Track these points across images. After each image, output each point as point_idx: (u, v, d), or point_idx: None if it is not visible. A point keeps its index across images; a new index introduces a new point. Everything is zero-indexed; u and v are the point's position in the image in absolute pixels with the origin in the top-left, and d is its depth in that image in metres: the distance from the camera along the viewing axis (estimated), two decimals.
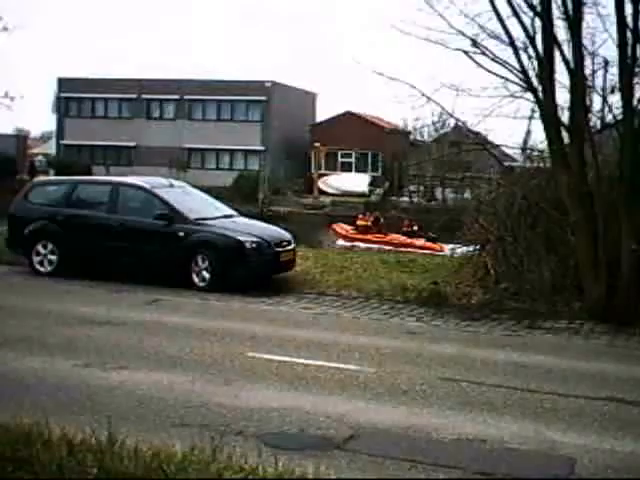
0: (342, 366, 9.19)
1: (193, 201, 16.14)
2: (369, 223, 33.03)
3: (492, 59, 13.91)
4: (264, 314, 12.85)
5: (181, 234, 14.86)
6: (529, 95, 14.25)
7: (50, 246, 15.71)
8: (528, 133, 57.24)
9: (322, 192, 55.67)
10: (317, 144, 56.57)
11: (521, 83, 13.99)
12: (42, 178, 18.31)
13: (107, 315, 11.95)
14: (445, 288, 14.92)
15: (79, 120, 61.16)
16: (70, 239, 15.55)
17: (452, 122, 57.85)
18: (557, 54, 13.60)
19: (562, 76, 13.77)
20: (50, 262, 15.73)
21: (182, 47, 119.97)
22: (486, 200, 17.14)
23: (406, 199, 55.77)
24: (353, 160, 60.61)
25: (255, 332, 11.05)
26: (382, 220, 33.97)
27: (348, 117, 60.72)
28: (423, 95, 15.13)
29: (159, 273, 15.09)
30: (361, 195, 55.68)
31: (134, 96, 59.99)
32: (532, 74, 13.99)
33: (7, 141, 62.05)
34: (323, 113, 66.41)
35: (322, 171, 57.68)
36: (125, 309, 12.69)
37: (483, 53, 13.76)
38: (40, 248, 15.76)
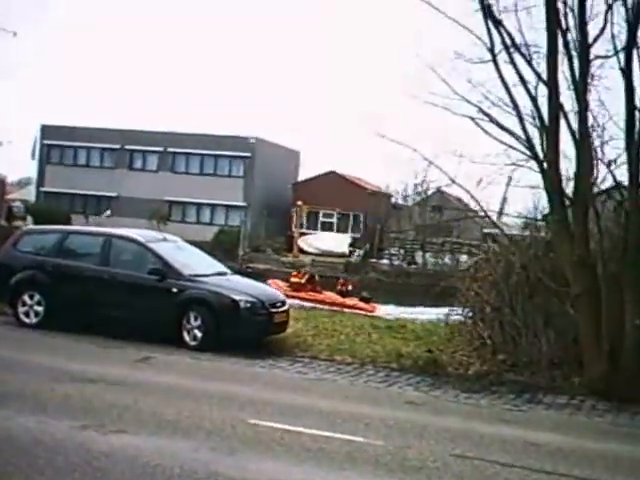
0: (349, 438, 8.82)
1: (186, 256, 15.80)
2: (303, 280, 33.22)
3: (498, 126, 13.83)
4: (259, 377, 12.48)
5: (174, 290, 14.51)
6: (532, 163, 14.19)
7: (37, 297, 15.28)
8: (504, 200, 57.12)
9: (302, 251, 55.50)
10: (299, 203, 56.55)
11: (525, 151, 13.91)
12: (32, 226, 17.85)
13: (98, 372, 11.52)
14: (441, 357, 14.65)
15: (60, 168, 60.86)
16: (58, 290, 15.14)
17: (434, 186, 58.79)
18: (563, 123, 13.58)
19: (566, 145, 13.76)
20: (36, 313, 15.29)
21: (167, 99, 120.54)
22: (483, 268, 16.93)
23: (386, 262, 55.73)
24: (334, 220, 60.61)
25: (253, 396, 10.67)
26: (317, 278, 34.24)
27: (331, 177, 60.89)
28: (425, 159, 15.09)
29: (149, 329, 14.70)
30: (341, 256, 55.56)
31: (117, 146, 59.87)
32: (536, 142, 13.95)
33: None
34: (306, 170, 66.73)
35: (303, 230, 57.60)
36: (116, 366, 12.26)
37: (490, 120, 13.67)
38: (26, 298, 15.33)
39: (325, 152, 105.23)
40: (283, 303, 15.37)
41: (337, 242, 57.82)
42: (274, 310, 14.90)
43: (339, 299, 30.73)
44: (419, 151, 14.84)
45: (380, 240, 59.69)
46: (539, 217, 28.79)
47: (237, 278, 15.97)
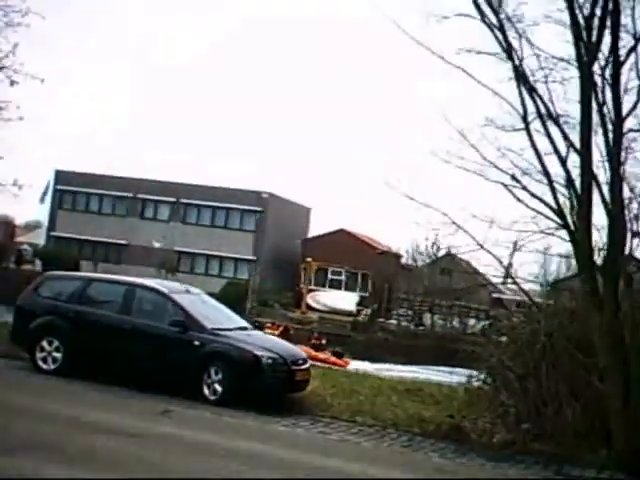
0: None
1: (208, 309, 15.66)
2: (277, 332, 33.44)
3: (530, 194, 13.78)
4: (282, 436, 12.26)
5: (196, 343, 14.33)
6: (562, 232, 14.10)
7: (56, 343, 15.10)
8: (510, 265, 56.61)
9: (310, 307, 55.26)
10: (309, 259, 56.47)
11: (557, 220, 13.83)
12: (54, 272, 17.66)
13: (120, 424, 11.32)
14: (463, 422, 14.40)
15: (72, 213, 61.02)
16: (78, 338, 14.96)
17: (445, 248, 58.70)
18: (596, 193, 13.52)
19: (597, 213, 13.68)
20: (54, 360, 15.09)
21: (181, 150, 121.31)
22: (509, 333, 16.72)
23: (394, 322, 55.43)
24: (343, 278, 60.42)
25: (282, 458, 10.43)
26: (291, 331, 34.88)
27: (340, 234, 60.97)
28: (454, 224, 14.99)
29: (169, 381, 14.49)
30: (349, 314, 55.31)
31: (130, 195, 60.09)
32: (567, 211, 13.88)
33: None
34: (316, 226, 66.83)
35: (311, 286, 57.41)
36: (138, 419, 12.04)
37: (524, 188, 13.63)
38: (45, 344, 15.14)
39: (336, 208, 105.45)
40: (305, 361, 15.18)
41: (345, 300, 57.58)
42: (296, 367, 14.70)
43: (312, 352, 30.88)
44: (449, 216, 14.75)
45: (388, 300, 59.47)
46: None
47: (259, 333, 15.84)
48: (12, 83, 26.03)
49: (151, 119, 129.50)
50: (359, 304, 57.72)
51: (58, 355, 15.08)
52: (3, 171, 25.22)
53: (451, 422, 14.24)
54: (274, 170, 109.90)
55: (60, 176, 61.13)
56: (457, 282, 58.64)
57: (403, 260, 63.12)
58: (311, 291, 57.01)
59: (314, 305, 56.31)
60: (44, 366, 15.12)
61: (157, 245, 57.78)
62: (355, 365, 31.95)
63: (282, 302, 54.78)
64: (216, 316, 15.50)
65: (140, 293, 15.33)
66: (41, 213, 65.24)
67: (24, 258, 58.45)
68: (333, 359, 31.81)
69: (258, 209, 58.95)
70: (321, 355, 31.64)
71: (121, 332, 14.79)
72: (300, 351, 15.76)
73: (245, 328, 15.73)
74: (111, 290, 15.77)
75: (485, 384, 16.49)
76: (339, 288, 60.30)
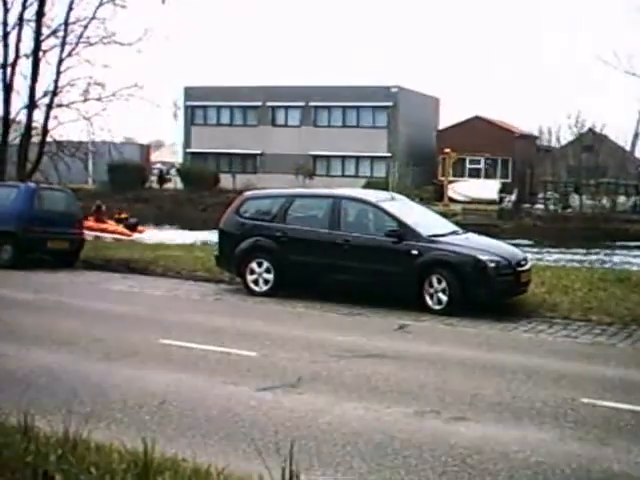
0: None
1: (418, 216, 14.90)
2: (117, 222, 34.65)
3: None
4: (534, 344, 11.52)
5: (414, 252, 13.64)
6: None
7: (266, 264, 14.72)
8: (637, 135, 53.81)
9: (451, 199, 54.11)
10: (447, 150, 55.01)
11: None
12: (254, 192, 17.24)
13: (369, 345, 10.80)
14: None
15: (205, 128, 61.17)
16: (287, 257, 14.53)
17: (588, 124, 56.05)
18: None
19: None
20: (265, 281, 14.76)
21: (306, 53, 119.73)
22: None
23: (540, 206, 53.74)
24: (482, 166, 58.81)
25: (562, 371, 9.64)
26: (103, 208, 34.99)
27: (475, 122, 59.02)
28: None
29: (387, 294, 13.94)
30: (491, 202, 53.91)
31: (259, 103, 59.64)
32: None
33: (132, 150, 62.38)
34: (444, 118, 65.02)
35: (450, 178, 56.09)
36: (379, 337, 11.47)
37: None
38: (255, 266, 14.80)
39: (463, 97, 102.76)
40: (526, 260, 14.31)
41: (486, 189, 56.14)
42: (520, 269, 13.86)
43: (93, 224, 31.38)
44: None
45: (531, 184, 57.65)
46: None
47: (475, 237, 14.93)
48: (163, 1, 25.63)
49: (270, 25, 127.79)
50: (501, 191, 56.17)
51: (269, 276, 14.72)
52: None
53: None
54: (397, 63, 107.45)
55: (189, 92, 61.07)
56: (603, 158, 56.44)
57: (539, 142, 60.67)
58: (451, 183, 55.75)
59: (455, 197, 55.14)
60: (256, 288, 14.81)
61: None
62: (150, 234, 33.19)
63: (424, 196, 53.76)
64: (428, 222, 14.73)
65: (347, 205, 14.67)
66: (171, 131, 65.74)
67: (165, 177, 59.23)
68: (120, 229, 33.10)
69: (389, 104, 57.56)
70: (105, 226, 32.65)
71: (333, 247, 14.23)
72: (520, 252, 14.84)
73: (457, 232, 14.91)
74: (315, 205, 15.21)
75: None
76: (478, 177, 58.82)
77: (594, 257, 36.67)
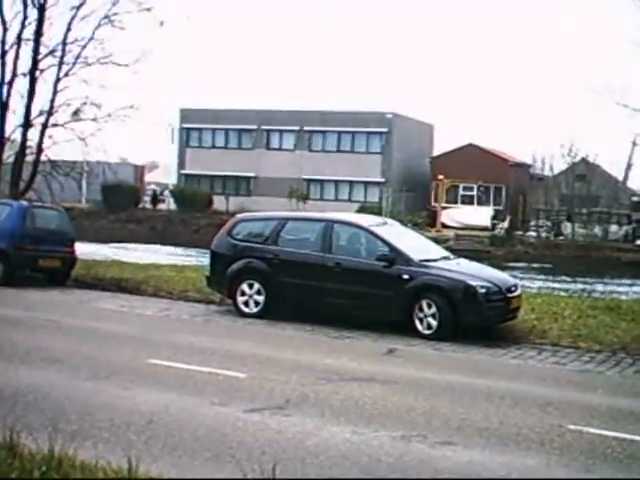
0: None
1: (410, 241, 14.96)
2: None
3: None
4: (521, 371, 11.54)
5: (405, 276, 13.68)
6: None
7: (256, 286, 14.75)
8: (629, 167, 54.42)
9: (444, 225, 54.26)
10: (441, 176, 55.26)
11: None
12: (246, 214, 17.28)
13: (356, 368, 10.81)
14: None
15: (200, 150, 61.33)
16: (279, 279, 14.55)
17: (581, 154, 56.38)
18: None
19: None
20: (256, 303, 14.77)
21: (302, 78, 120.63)
22: None
23: (532, 234, 53.95)
24: (475, 193, 59.01)
25: (548, 397, 9.66)
26: None
27: (469, 149, 59.26)
28: None
29: (377, 318, 13.97)
30: (484, 229, 54.10)
31: (254, 127, 59.87)
32: None
33: (126, 170, 62.47)
34: (439, 145, 65.32)
35: (443, 204, 56.25)
36: (367, 360, 11.49)
37: None
38: (245, 287, 14.82)
39: (456, 124, 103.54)
40: (516, 287, 14.37)
41: (479, 215, 56.36)
42: (510, 295, 13.91)
43: None
44: None
45: (524, 212, 57.87)
46: None
47: (466, 262, 15.00)
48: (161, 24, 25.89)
49: (264, 45, 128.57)
50: (494, 218, 56.37)
51: (260, 298, 14.74)
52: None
53: None
54: (391, 90, 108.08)
55: (185, 114, 61.29)
56: (596, 188, 56.75)
57: (532, 170, 60.88)
58: (444, 209, 55.91)
59: (448, 223, 55.29)
60: (246, 310, 14.83)
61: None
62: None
63: (417, 222, 53.91)
64: (419, 247, 14.80)
65: (339, 229, 14.73)
66: (165, 153, 65.91)
67: (159, 198, 59.31)
68: None
69: (383, 130, 57.84)
70: None
71: (325, 270, 14.26)
72: (510, 278, 14.91)
73: (448, 257, 14.97)
74: (308, 228, 15.26)
75: None
76: (471, 204, 58.98)
77: (579, 285, 36.66)
